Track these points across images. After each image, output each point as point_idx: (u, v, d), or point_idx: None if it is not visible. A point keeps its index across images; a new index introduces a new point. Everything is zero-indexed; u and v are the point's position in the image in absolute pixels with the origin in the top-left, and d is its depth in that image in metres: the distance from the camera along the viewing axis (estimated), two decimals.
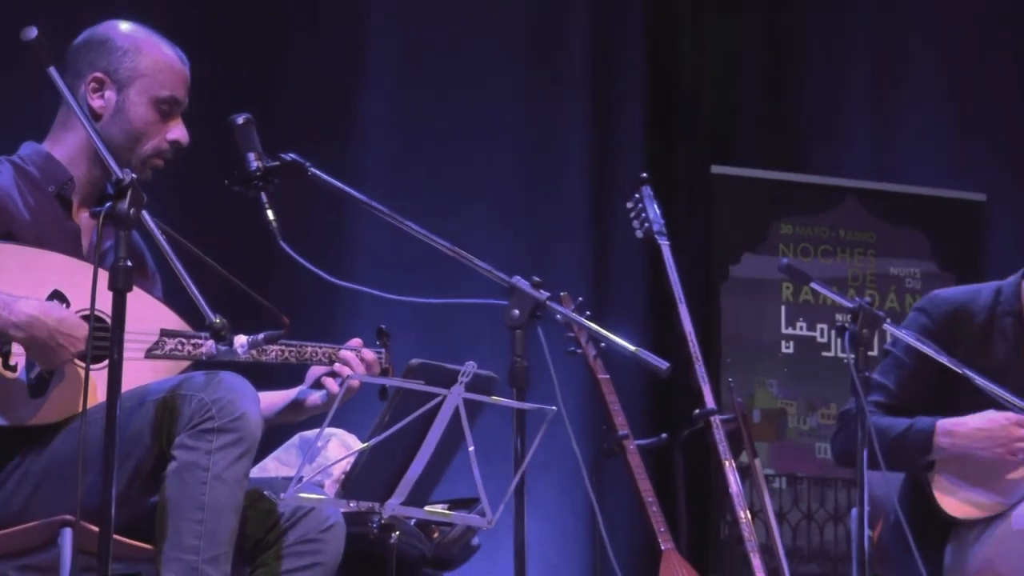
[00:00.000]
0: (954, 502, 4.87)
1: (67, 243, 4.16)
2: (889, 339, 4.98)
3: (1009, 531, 4.79)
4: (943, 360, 4.72)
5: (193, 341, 4.18)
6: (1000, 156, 7.84)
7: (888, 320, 4.71)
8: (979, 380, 4.65)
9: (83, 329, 3.91)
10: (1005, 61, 8.08)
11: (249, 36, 6.96)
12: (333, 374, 4.43)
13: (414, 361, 3.97)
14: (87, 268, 3.82)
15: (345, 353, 4.44)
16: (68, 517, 3.88)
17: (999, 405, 4.70)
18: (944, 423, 4.83)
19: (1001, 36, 8.08)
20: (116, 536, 3.60)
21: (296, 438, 4.92)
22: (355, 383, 4.19)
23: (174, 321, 4.22)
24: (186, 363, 4.20)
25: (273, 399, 4.50)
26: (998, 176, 7.68)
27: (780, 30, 7.89)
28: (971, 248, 7.62)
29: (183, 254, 3.74)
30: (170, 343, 4.18)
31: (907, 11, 8.04)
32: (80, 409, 3.76)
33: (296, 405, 4.51)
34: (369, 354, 4.48)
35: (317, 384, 4.49)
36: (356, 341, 4.52)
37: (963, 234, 7.67)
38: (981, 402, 4.75)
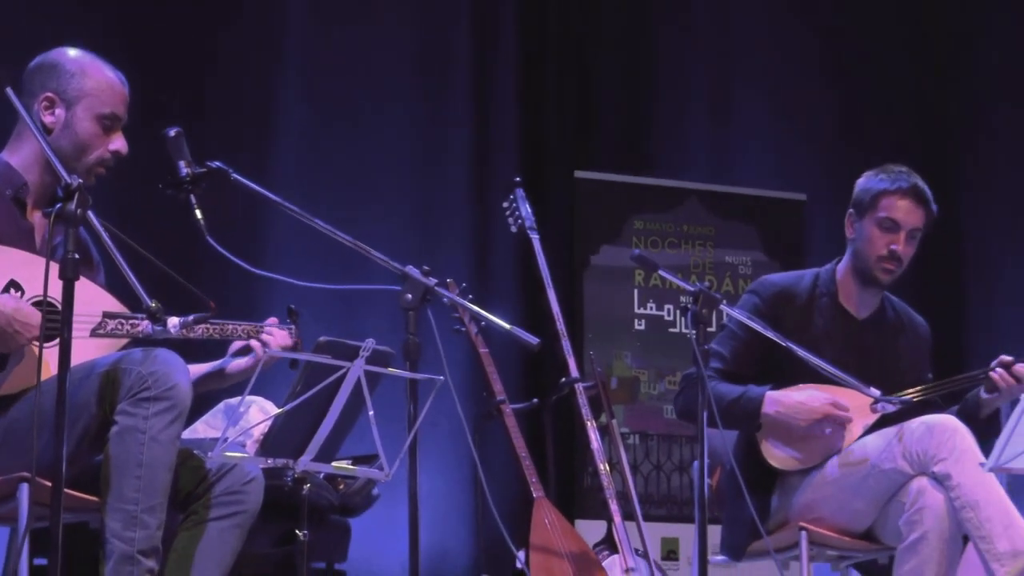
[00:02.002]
0: (778, 456, 4.91)
1: (22, 239, 4.15)
2: (725, 317, 5.00)
3: (825, 479, 4.86)
4: (770, 334, 4.75)
5: (132, 322, 4.18)
6: (819, 162, 7.90)
7: (724, 301, 4.73)
8: (800, 351, 4.68)
9: (36, 318, 3.92)
10: (824, 78, 8.14)
11: (181, 63, 6.92)
12: (248, 349, 4.45)
13: (322, 339, 3.98)
14: (40, 261, 3.82)
15: (266, 330, 4.45)
16: (25, 474, 3.89)
17: (817, 373, 4.75)
18: (772, 394, 4.87)
19: (822, 55, 8.13)
20: (67, 490, 3.59)
21: (222, 404, 4.91)
22: (266, 354, 4.22)
23: (115, 305, 4.21)
24: (126, 340, 4.20)
25: (200, 369, 4.50)
26: (818, 179, 7.74)
27: (633, 51, 7.90)
28: (794, 240, 7.67)
29: (123, 248, 3.74)
30: (112, 323, 4.17)
31: (738, 35, 8.07)
32: (35, 382, 3.77)
33: (219, 374, 4.51)
34: (287, 338, 4.50)
35: (237, 355, 4.50)
36: (272, 320, 4.53)
37: (787, 228, 7.72)
38: (802, 369, 4.78)
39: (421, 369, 4.10)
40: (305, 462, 4.04)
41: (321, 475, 4.90)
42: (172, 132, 4.10)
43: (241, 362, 4.45)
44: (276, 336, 4.46)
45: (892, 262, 4.96)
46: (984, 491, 4.58)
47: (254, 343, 4.42)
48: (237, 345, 4.48)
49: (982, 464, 4.51)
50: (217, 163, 4.14)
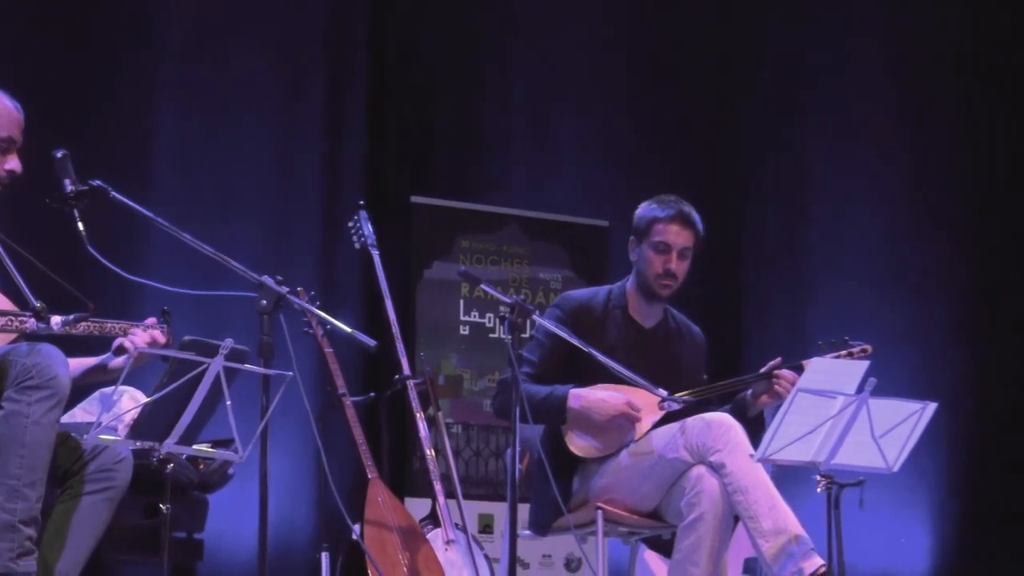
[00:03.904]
0: (580, 446, 4.94)
1: None
2: (536, 326, 5.03)
3: (619, 466, 4.90)
4: (573, 341, 4.81)
5: (20, 319, 4.14)
6: (621, 193, 7.95)
7: (536, 312, 4.79)
8: (598, 355, 4.75)
9: None
10: (628, 117, 8.21)
11: (69, 89, 6.85)
12: (122, 349, 4.42)
13: (187, 338, 3.98)
14: None
15: (136, 330, 4.42)
16: None
17: (612, 375, 4.80)
18: (576, 392, 4.89)
19: (629, 97, 8.20)
20: None
21: (97, 393, 4.85)
22: (136, 352, 4.21)
23: (6, 304, 4.17)
24: (14, 335, 4.15)
25: (83, 363, 4.46)
26: (619, 207, 7.77)
27: (463, 92, 7.92)
28: (598, 260, 7.72)
29: (13, 255, 3.72)
30: (2, 320, 4.13)
31: (556, 79, 8.12)
32: None
33: (102, 369, 4.48)
34: (160, 337, 4.48)
35: (118, 352, 4.47)
36: (150, 320, 4.51)
37: (592, 250, 7.77)
38: (599, 372, 4.82)
39: (273, 366, 4.10)
40: (169, 444, 4.04)
41: (183, 456, 4.87)
42: (59, 154, 4.07)
43: (119, 360, 4.42)
44: (143, 334, 4.44)
45: (668, 279, 5.01)
46: (752, 478, 4.65)
47: (127, 342, 4.39)
48: (118, 343, 4.45)
49: (751, 455, 4.60)
50: (98, 181, 4.12)
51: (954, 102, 8.68)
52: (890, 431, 4.50)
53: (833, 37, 8.53)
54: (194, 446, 4.17)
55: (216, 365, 3.94)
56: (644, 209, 5.08)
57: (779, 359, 4.91)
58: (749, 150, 8.42)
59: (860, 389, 4.45)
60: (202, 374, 3.94)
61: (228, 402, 4.00)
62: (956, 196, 8.64)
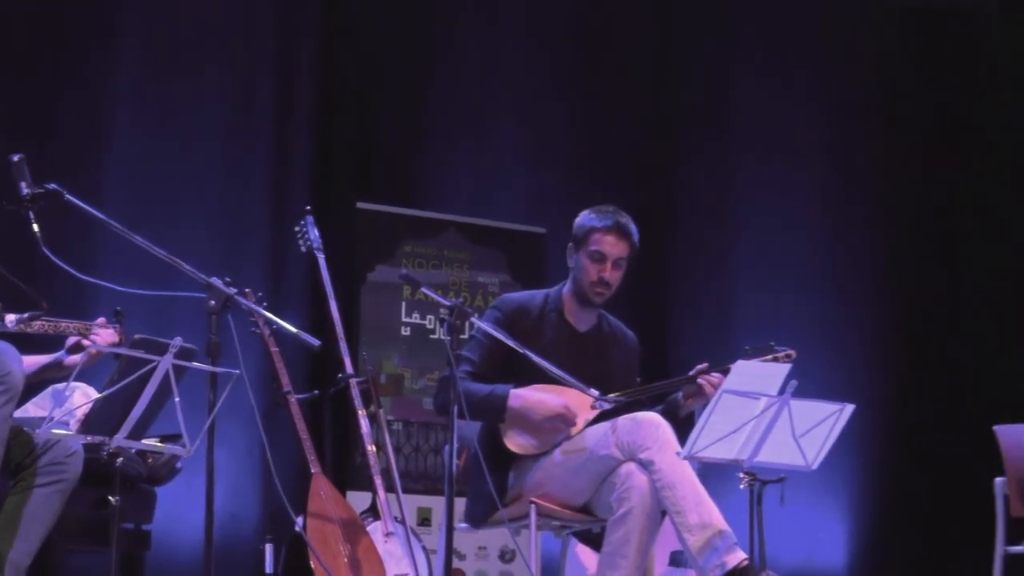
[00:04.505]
0: (517, 443, 4.92)
1: None
2: (475, 328, 5.02)
3: (552, 462, 4.90)
4: (510, 342, 4.81)
5: None
6: (558, 201, 7.95)
7: (475, 315, 4.80)
8: (534, 356, 4.75)
9: None
10: (566, 129, 8.22)
11: (23, 96, 6.80)
12: (79, 346, 4.39)
13: (137, 336, 3.97)
14: None
15: (98, 329, 4.40)
16: None
17: (547, 375, 4.79)
18: (516, 391, 4.87)
19: (571, 108, 8.22)
20: None
21: (49, 389, 4.82)
22: (94, 350, 4.17)
23: None
24: None
25: (37, 360, 4.43)
26: (557, 214, 7.77)
27: (408, 102, 7.91)
28: (535, 265, 7.70)
29: None
30: None
31: (496, 94, 8.13)
32: None
33: (57, 365, 4.45)
34: (113, 336, 4.45)
35: (72, 350, 4.44)
36: (101, 320, 4.48)
37: (530, 255, 7.76)
38: (535, 372, 4.81)
39: (220, 364, 4.09)
40: (119, 439, 4.02)
41: (133, 450, 4.84)
42: (15, 158, 4.05)
43: (75, 358, 4.39)
44: (103, 334, 4.41)
45: (602, 287, 5.00)
46: (679, 475, 4.65)
47: (85, 341, 4.37)
48: (72, 341, 4.42)
49: (679, 453, 4.61)
50: (53, 185, 4.09)
51: (875, 119, 8.76)
52: (810, 431, 4.53)
53: (761, 59, 8.58)
54: (143, 440, 4.15)
55: (165, 363, 3.92)
56: (583, 218, 5.07)
57: (706, 364, 4.93)
58: (680, 164, 8.46)
59: (782, 391, 4.48)
60: (152, 371, 3.92)
61: (177, 398, 3.99)
62: (875, 208, 8.71)
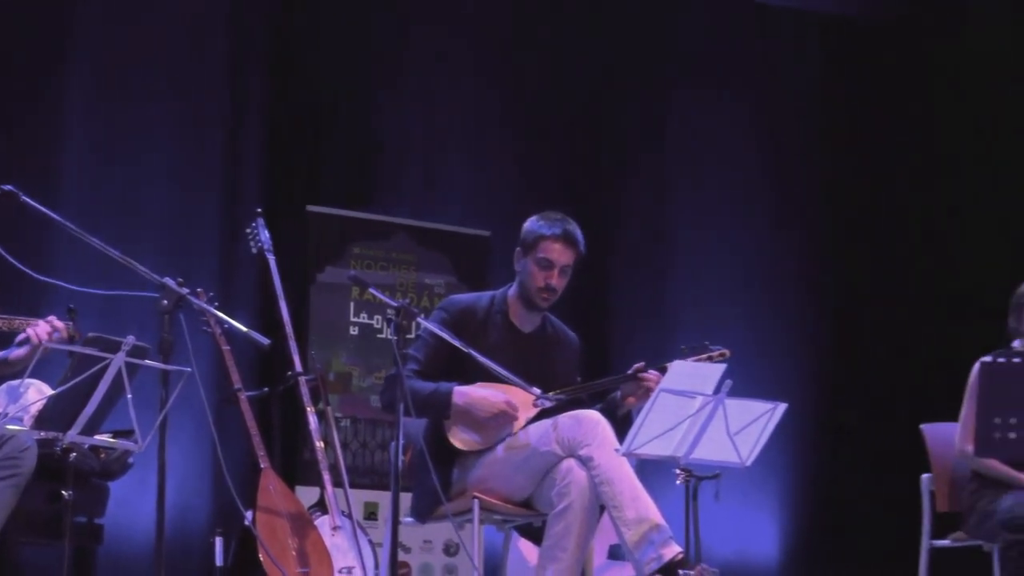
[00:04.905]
0: (462, 439, 4.92)
1: None
2: (422, 327, 5.01)
3: (495, 458, 4.90)
4: (455, 342, 4.81)
5: None
6: (503, 206, 7.97)
7: (421, 315, 4.80)
8: (478, 356, 4.75)
9: None
10: (510, 138, 8.23)
11: None
12: (27, 340, 4.37)
13: (91, 334, 3.95)
14: None
15: (43, 324, 4.37)
16: None
17: (491, 374, 4.80)
18: (460, 389, 4.86)
19: (513, 119, 8.22)
20: None
21: (4, 386, 4.79)
22: (36, 341, 4.16)
23: None
24: None
25: None
26: (502, 219, 7.78)
27: (358, 112, 7.89)
28: (480, 267, 7.70)
29: None
30: None
31: (443, 101, 8.10)
32: None
33: (4, 362, 4.41)
34: (60, 324, 4.42)
35: (19, 344, 4.41)
36: (52, 317, 4.45)
37: (475, 258, 7.75)
38: (479, 371, 4.81)
39: (172, 362, 4.07)
40: (72, 435, 3.99)
41: (86, 445, 4.81)
42: None
43: (20, 351, 4.36)
44: (40, 324, 4.38)
45: (548, 292, 5.00)
46: (618, 471, 4.67)
47: (30, 331, 4.34)
48: (21, 338, 4.39)
49: (617, 450, 4.63)
50: (9, 187, 4.06)
51: (807, 133, 8.82)
52: (744, 429, 4.56)
53: (695, 77, 8.63)
54: (96, 436, 4.12)
55: (118, 360, 3.90)
56: (532, 224, 5.05)
57: (643, 363, 4.95)
58: (619, 175, 8.48)
59: (717, 390, 4.51)
60: (105, 368, 3.90)
61: (129, 395, 3.97)
62: (805, 216, 8.77)
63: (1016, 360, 4.37)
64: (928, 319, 8.52)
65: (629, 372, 4.93)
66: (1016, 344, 5.56)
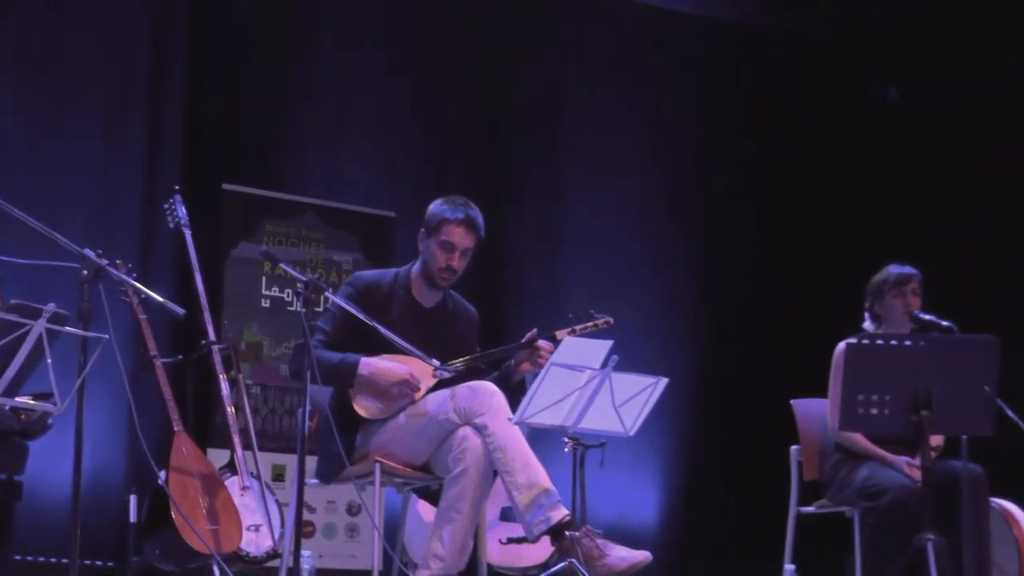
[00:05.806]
0: (366, 406, 4.90)
1: None
2: (330, 301, 4.99)
3: (396, 425, 4.89)
4: (360, 316, 4.79)
5: None
6: (407, 187, 7.97)
7: (329, 290, 4.77)
8: (382, 329, 4.75)
9: None
10: (415, 122, 8.20)
11: None
12: None
13: (12, 301, 3.88)
14: None
15: None
16: None
17: (393, 346, 4.79)
18: (365, 360, 4.84)
19: (413, 103, 8.18)
20: None
21: None
22: None
23: None
24: None
25: None
26: (406, 200, 7.78)
27: (272, 94, 7.82)
28: (385, 246, 7.70)
29: None
30: None
31: (351, 84, 8.05)
32: None
33: None
34: None
35: None
36: None
37: (381, 237, 7.75)
38: (382, 343, 4.80)
39: (91, 329, 4.02)
40: None
41: (6, 407, 4.73)
42: None
43: None
44: None
45: (448, 273, 4.99)
46: (510, 439, 4.67)
47: None
48: None
49: (510, 418, 4.65)
50: None
51: (694, 126, 8.89)
52: (628, 401, 4.59)
53: (590, 67, 8.67)
54: (16, 398, 4.06)
55: (39, 327, 3.84)
56: (437, 207, 5.03)
57: (535, 330, 4.96)
58: (518, 161, 8.49)
59: (605, 365, 4.53)
60: (26, 334, 3.84)
61: (49, 360, 3.91)
62: (688, 199, 8.85)
63: (879, 342, 4.45)
64: (800, 302, 8.64)
65: (523, 341, 4.94)
66: (867, 326, 5.66)
